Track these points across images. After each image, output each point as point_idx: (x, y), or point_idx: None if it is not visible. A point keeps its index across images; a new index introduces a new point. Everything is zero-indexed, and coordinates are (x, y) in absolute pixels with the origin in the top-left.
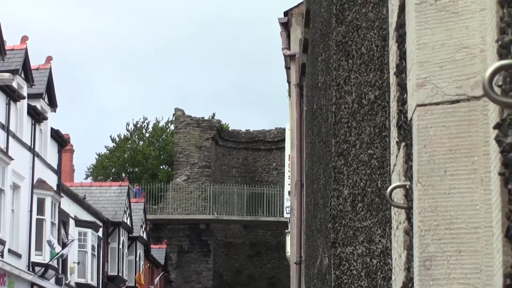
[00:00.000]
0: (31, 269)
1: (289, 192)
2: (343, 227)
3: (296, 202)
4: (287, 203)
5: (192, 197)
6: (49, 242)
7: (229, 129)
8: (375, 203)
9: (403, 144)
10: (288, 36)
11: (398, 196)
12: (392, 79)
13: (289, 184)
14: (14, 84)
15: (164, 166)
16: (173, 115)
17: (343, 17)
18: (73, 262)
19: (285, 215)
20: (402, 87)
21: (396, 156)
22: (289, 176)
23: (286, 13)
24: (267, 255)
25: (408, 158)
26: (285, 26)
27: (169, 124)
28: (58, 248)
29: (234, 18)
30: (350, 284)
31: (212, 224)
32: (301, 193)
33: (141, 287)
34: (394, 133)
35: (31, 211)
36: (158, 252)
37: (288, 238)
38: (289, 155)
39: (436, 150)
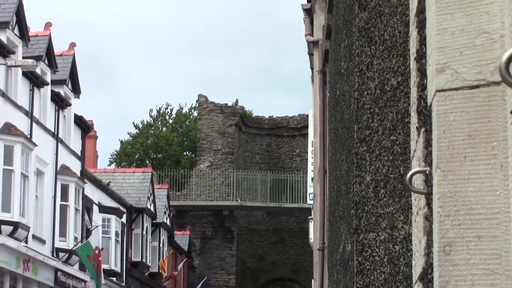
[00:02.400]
0: (55, 255)
1: (312, 179)
2: (365, 214)
3: (319, 188)
4: (310, 189)
5: (215, 184)
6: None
7: (253, 115)
8: (397, 189)
9: (423, 129)
10: (311, 22)
11: (418, 182)
12: (412, 65)
13: (312, 171)
14: (38, 71)
15: (187, 152)
16: (197, 101)
17: (366, 3)
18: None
19: (308, 201)
20: (422, 72)
21: (416, 142)
22: (312, 162)
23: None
24: (290, 242)
25: (428, 143)
26: (308, 12)
27: (193, 111)
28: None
29: (258, 3)
30: (373, 270)
31: (235, 210)
32: (324, 179)
33: (165, 273)
34: (414, 119)
35: (55, 197)
36: (182, 238)
37: (311, 225)
38: (312, 141)
39: (456, 136)
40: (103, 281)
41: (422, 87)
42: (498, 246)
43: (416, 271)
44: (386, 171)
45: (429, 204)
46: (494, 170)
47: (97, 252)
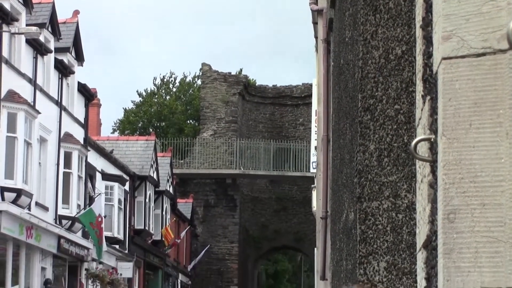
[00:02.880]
0: (58, 222)
1: (315, 147)
2: (368, 182)
3: (322, 157)
4: (313, 158)
5: (218, 152)
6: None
7: (256, 84)
8: (401, 158)
9: (428, 97)
10: None
11: (422, 150)
12: (418, 32)
13: (315, 139)
14: (41, 38)
15: (190, 121)
16: (200, 70)
17: None
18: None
19: (311, 170)
20: (428, 40)
21: (421, 110)
22: (315, 131)
23: None
24: (293, 210)
25: (433, 111)
26: None
27: (196, 79)
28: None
29: None
30: (376, 238)
31: (238, 178)
32: (328, 148)
33: (168, 241)
34: (419, 87)
35: (58, 164)
36: (185, 206)
37: (314, 193)
38: (315, 110)
39: (461, 103)
40: (104, 248)
41: (428, 55)
42: (503, 214)
43: (420, 238)
44: (390, 140)
45: (433, 171)
46: (500, 138)
47: (100, 219)
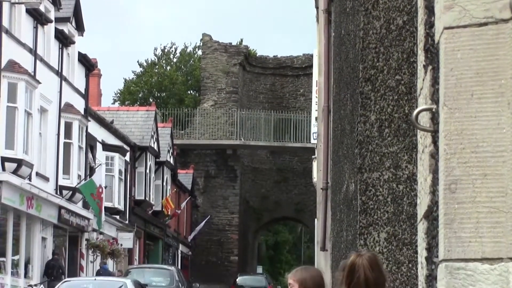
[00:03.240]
0: (58, 193)
1: (316, 118)
2: (369, 153)
3: (323, 128)
4: (314, 129)
5: (219, 123)
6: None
7: (257, 55)
8: (402, 128)
9: (430, 67)
10: None
11: (424, 120)
12: (420, 2)
13: (316, 110)
14: (42, 8)
15: (191, 91)
16: (201, 40)
17: None
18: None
19: (312, 141)
20: (430, 10)
21: (423, 80)
22: (316, 102)
23: None
24: (293, 181)
25: (435, 81)
26: None
27: (197, 50)
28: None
29: None
30: (376, 209)
31: (239, 149)
32: (328, 119)
33: (168, 211)
34: (421, 57)
35: (58, 134)
36: (185, 177)
37: (314, 164)
38: (316, 81)
39: (463, 73)
40: (103, 218)
41: (430, 25)
42: (504, 184)
43: (421, 209)
44: (390, 110)
45: (435, 142)
46: (501, 108)
47: (100, 190)
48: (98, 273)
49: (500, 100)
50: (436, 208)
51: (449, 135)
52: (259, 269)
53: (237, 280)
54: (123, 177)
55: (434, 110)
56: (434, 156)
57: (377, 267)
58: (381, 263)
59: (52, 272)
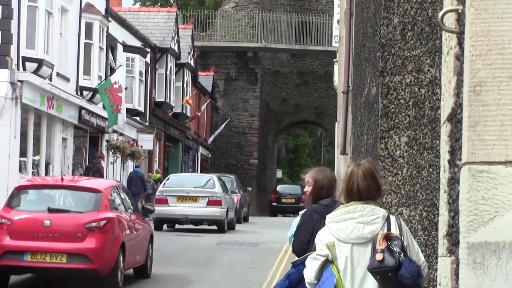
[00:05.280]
0: (79, 93)
1: (338, 21)
2: (392, 56)
3: (345, 30)
4: (335, 32)
5: (240, 25)
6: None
7: None
8: (425, 32)
9: None
10: None
11: (449, 21)
12: None
13: (338, 13)
14: None
15: None
16: None
17: None
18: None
19: (334, 44)
20: None
21: None
22: (338, 4)
23: None
24: (314, 85)
25: None
26: None
27: None
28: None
29: None
30: (397, 113)
31: (259, 52)
32: (350, 21)
33: (190, 104)
34: None
35: (79, 35)
36: (205, 79)
37: (336, 67)
38: None
39: None
40: (121, 118)
41: None
42: None
43: (445, 112)
44: (414, 13)
45: (460, 43)
46: None
47: (115, 86)
48: (130, 177)
49: None
50: (460, 110)
51: (475, 36)
52: (279, 173)
53: (277, 188)
54: (143, 79)
55: (460, 11)
56: (459, 58)
57: (370, 177)
58: (376, 173)
59: (88, 174)
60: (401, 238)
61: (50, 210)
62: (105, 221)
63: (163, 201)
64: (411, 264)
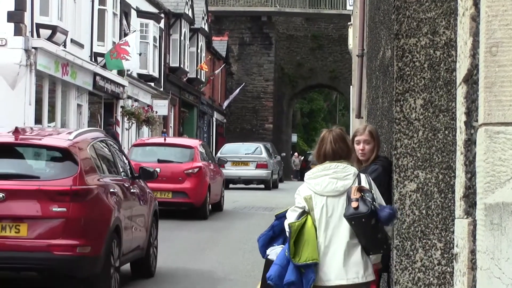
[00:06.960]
0: (93, 60)
1: None
2: (406, 18)
3: None
4: None
5: None
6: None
7: None
8: None
9: None
10: None
11: None
12: None
13: None
14: None
15: None
16: None
17: None
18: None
19: (348, 7)
20: None
21: None
22: None
23: None
24: (328, 48)
25: None
26: None
27: None
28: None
29: None
30: (413, 76)
31: (274, 16)
32: None
33: (203, 68)
34: None
35: (92, 1)
36: (220, 44)
37: (350, 31)
38: None
39: None
40: (128, 64)
41: None
42: None
43: (461, 73)
44: None
45: (476, 4)
46: None
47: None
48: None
49: None
50: (476, 71)
51: None
52: (294, 137)
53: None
54: (157, 44)
55: None
56: (475, 18)
57: (341, 141)
58: (346, 137)
59: None
60: (372, 191)
61: (159, 161)
62: (197, 168)
63: (221, 166)
64: (386, 206)
